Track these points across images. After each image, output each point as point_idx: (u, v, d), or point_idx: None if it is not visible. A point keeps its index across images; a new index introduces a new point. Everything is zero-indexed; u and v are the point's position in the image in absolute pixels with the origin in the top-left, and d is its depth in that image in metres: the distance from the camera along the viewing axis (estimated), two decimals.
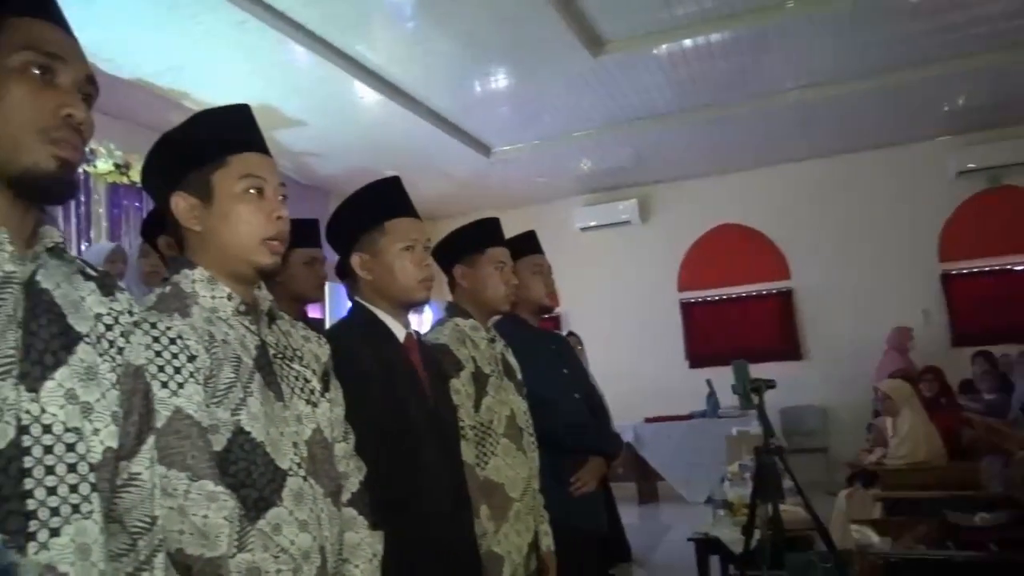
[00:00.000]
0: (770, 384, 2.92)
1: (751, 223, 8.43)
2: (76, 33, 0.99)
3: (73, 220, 5.04)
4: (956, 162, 7.62)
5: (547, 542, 2.07)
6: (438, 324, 2.11)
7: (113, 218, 5.38)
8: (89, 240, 5.15)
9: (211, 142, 1.27)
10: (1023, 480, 3.97)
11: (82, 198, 5.14)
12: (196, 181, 1.25)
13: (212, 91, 5.23)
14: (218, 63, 5.01)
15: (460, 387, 1.92)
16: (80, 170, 5.03)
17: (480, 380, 1.97)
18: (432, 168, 7.40)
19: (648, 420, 7.39)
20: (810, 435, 7.66)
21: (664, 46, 5.53)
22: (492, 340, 2.13)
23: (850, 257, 7.98)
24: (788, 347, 8.15)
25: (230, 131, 1.29)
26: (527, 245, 2.60)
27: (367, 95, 5.74)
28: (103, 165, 5.14)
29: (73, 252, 5.11)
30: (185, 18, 4.42)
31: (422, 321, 7.17)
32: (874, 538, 3.23)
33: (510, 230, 2.49)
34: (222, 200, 1.25)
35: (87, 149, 3.70)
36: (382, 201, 1.77)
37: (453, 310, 2.14)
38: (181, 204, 1.25)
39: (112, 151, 5.16)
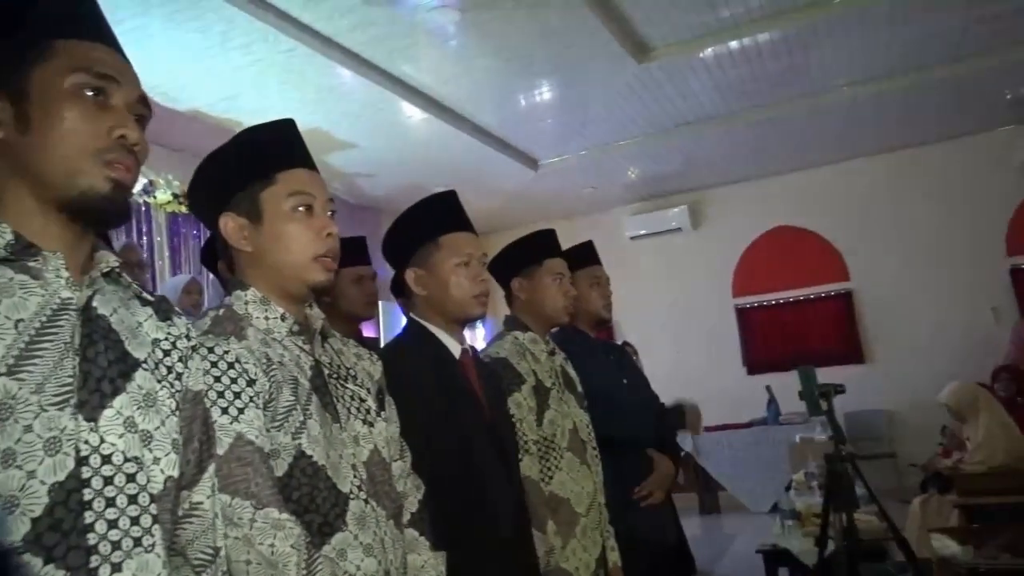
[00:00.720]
0: (839, 389, 2.84)
1: (806, 224, 8.23)
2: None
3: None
4: (1022, 152, 7.32)
5: (614, 557, 2.03)
6: (497, 338, 2.09)
7: (173, 247, 5.53)
8: (154, 269, 5.30)
9: (257, 160, 1.24)
10: None
11: (143, 228, 5.29)
12: (244, 201, 1.23)
13: (265, 118, 5.28)
14: (270, 91, 5.11)
15: (522, 401, 1.89)
16: (141, 201, 5.22)
17: (541, 393, 1.95)
18: (480, 183, 7.42)
19: (708, 429, 7.25)
20: (877, 440, 7.40)
21: (710, 49, 5.46)
22: (552, 352, 2.11)
23: (912, 255, 7.72)
24: (850, 350, 7.90)
25: (276, 148, 1.27)
26: (585, 256, 2.58)
27: (414, 114, 5.80)
28: (162, 196, 5.29)
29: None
30: (236, 49, 4.53)
31: (475, 337, 7.18)
32: (954, 547, 3.09)
33: (561, 242, 2.48)
34: (271, 219, 1.22)
35: (147, 180, 3.76)
36: (437, 216, 1.75)
37: (512, 323, 2.13)
38: (230, 225, 1.23)
39: (170, 182, 5.31)
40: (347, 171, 6.82)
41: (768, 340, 8.25)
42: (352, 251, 2.38)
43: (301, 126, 1.35)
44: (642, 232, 8.70)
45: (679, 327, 8.36)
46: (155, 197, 5.27)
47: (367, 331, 5.50)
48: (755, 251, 8.46)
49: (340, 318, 2.33)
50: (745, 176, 8.30)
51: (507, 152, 6.86)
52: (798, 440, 5.12)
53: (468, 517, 1.53)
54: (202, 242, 5.42)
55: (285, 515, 1.05)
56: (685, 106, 6.42)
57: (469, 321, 1.74)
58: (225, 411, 1.06)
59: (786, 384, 5.42)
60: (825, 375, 3.58)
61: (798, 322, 8.21)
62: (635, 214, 8.80)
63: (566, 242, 2.63)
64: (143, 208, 5.30)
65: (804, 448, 4.88)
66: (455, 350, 1.69)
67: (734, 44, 5.42)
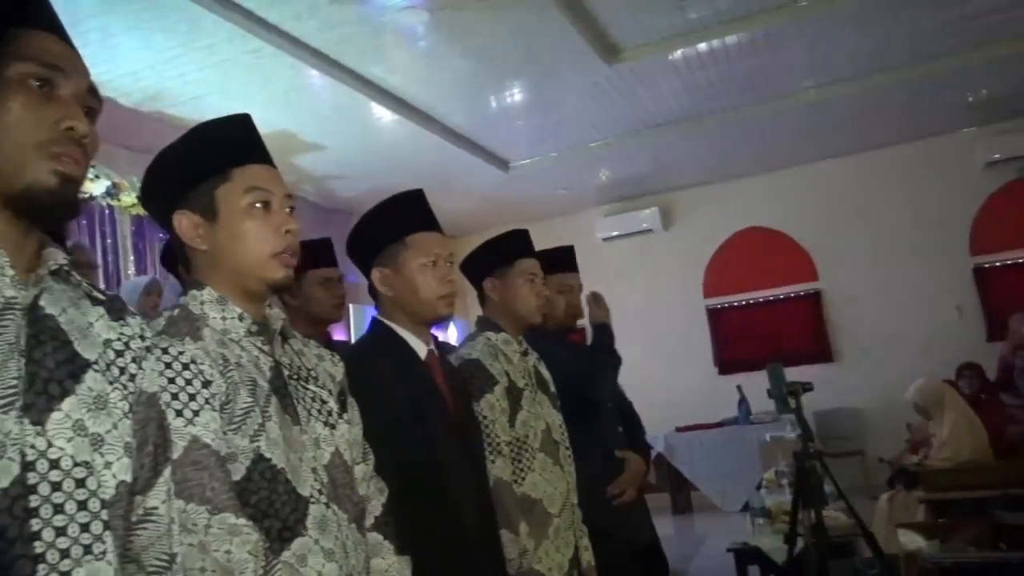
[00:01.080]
0: (807, 387, 2.87)
1: (775, 225, 8.31)
2: (95, 69, 0.95)
3: (99, 253, 5.09)
4: (983, 153, 7.45)
5: (587, 557, 2.03)
6: (469, 339, 2.08)
7: (138, 250, 5.43)
8: (119, 273, 5.20)
9: (212, 156, 1.22)
10: None
11: (107, 231, 5.20)
12: (198, 198, 1.20)
13: None
14: (236, 92, 5.05)
15: (495, 402, 1.88)
16: (104, 204, 5.11)
17: (514, 394, 1.94)
18: (451, 185, 7.40)
19: (679, 429, 7.29)
20: (846, 438, 7.50)
21: (679, 51, 5.49)
22: (524, 353, 2.10)
23: (878, 255, 7.84)
24: (819, 349, 8.00)
25: (231, 143, 1.24)
26: (560, 262, 2.59)
27: (384, 116, 5.76)
28: (126, 198, 5.20)
29: (102, 285, 5.07)
30: (201, 49, 4.47)
31: (447, 336, 7.14)
32: (921, 542, 3.13)
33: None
34: (227, 216, 1.19)
35: (111, 183, 3.65)
36: (404, 215, 1.74)
37: (484, 324, 2.11)
38: (184, 223, 1.20)
39: (135, 184, 5.22)
40: (316, 173, 6.76)
41: (739, 340, 8.32)
42: (319, 253, 2.36)
43: (268, 127, 1.33)
44: (614, 234, 8.73)
45: (651, 328, 8.40)
46: (119, 200, 5.18)
47: (338, 335, 5.45)
48: (725, 252, 8.53)
49: (308, 321, 2.30)
50: (715, 177, 8.36)
51: (478, 154, 6.85)
52: (768, 439, 5.16)
53: (433, 519, 1.51)
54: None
55: (242, 520, 1.02)
56: (655, 108, 6.45)
57: (436, 322, 1.72)
58: (180, 413, 1.03)
59: (756, 384, 5.46)
60: (795, 374, 3.62)
61: (768, 322, 8.29)
62: (607, 215, 8.83)
63: (538, 244, 2.63)
64: (107, 211, 5.21)
65: (774, 447, 4.92)
66: (421, 351, 1.68)
67: (702, 46, 5.46)
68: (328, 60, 4.87)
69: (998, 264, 7.61)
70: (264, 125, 1.32)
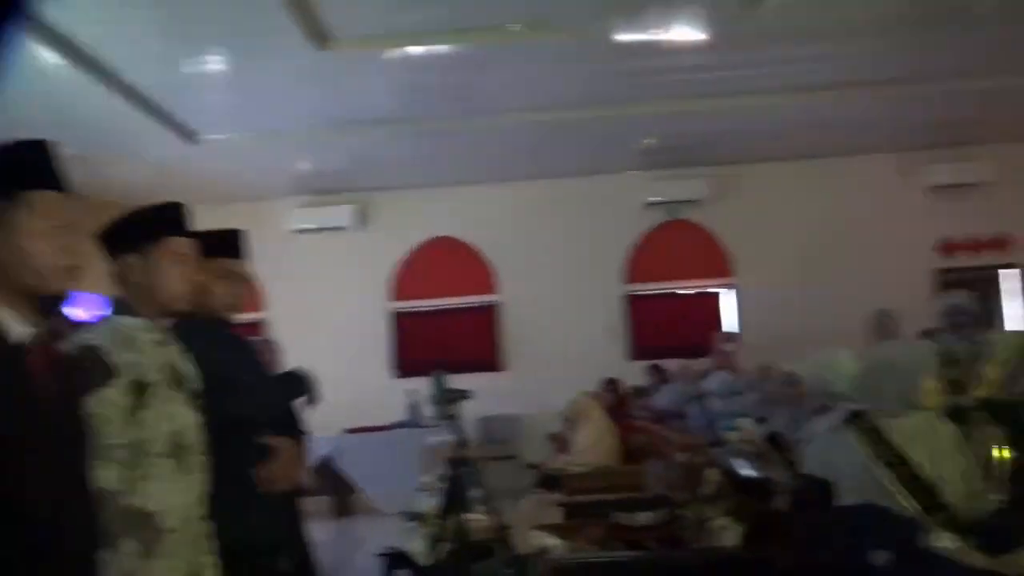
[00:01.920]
0: (465, 395, 2.98)
1: (466, 237, 8.69)
2: None
3: None
4: (644, 194, 8.51)
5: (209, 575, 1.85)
6: (96, 323, 1.81)
7: None
8: None
9: None
10: (679, 481, 4.46)
11: None
12: None
13: None
14: None
15: (112, 398, 1.64)
16: None
17: (139, 390, 1.70)
18: (127, 150, 6.64)
19: (350, 431, 7.26)
20: (504, 443, 8.03)
21: (390, 50, 5.49)
22: (162, 343, 1.86)
23: (551, 274, 8.53)
24: (491, 359, 8.52)
25: None
26: (223, 245, 2.37)
27: (51, 59, 4.97)
28: None
29: None
30: None
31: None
32: (551, 542, 3.40)
33: (218, 226, 2.31)
34: None
35: None
36: (22, 168, 1.44)
37: (118, 307, 1.85)
38: None
39: None
40: None
41: (419, 345, 8.54)
42: None
43: None
44: (306, 227, 8.52)
45: (333, 326, 8.30)
46: None
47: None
48: (416, 258, 8.74)
49: None
50: (415, 183, 8.49)
51: (161, 120, 6.21)
52: (432, 443, 5.33)
53: (7, 539, 1.27)
54: None
55: None
56: (362, 103, 6.37)
57: (52, 299, 1.46)
58: None
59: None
60: (467, 381, 3.76)
61: (448, 330, 8.64)
62: (302, 207, 8.57)
63: (225, 227, 2.41)
64: None
65: (438, 451, 5.09)
66: (18, 334, 1.39)
67: (414, 50, 5.51)
68: None
69: (641, 293, 8.71)
70: None
